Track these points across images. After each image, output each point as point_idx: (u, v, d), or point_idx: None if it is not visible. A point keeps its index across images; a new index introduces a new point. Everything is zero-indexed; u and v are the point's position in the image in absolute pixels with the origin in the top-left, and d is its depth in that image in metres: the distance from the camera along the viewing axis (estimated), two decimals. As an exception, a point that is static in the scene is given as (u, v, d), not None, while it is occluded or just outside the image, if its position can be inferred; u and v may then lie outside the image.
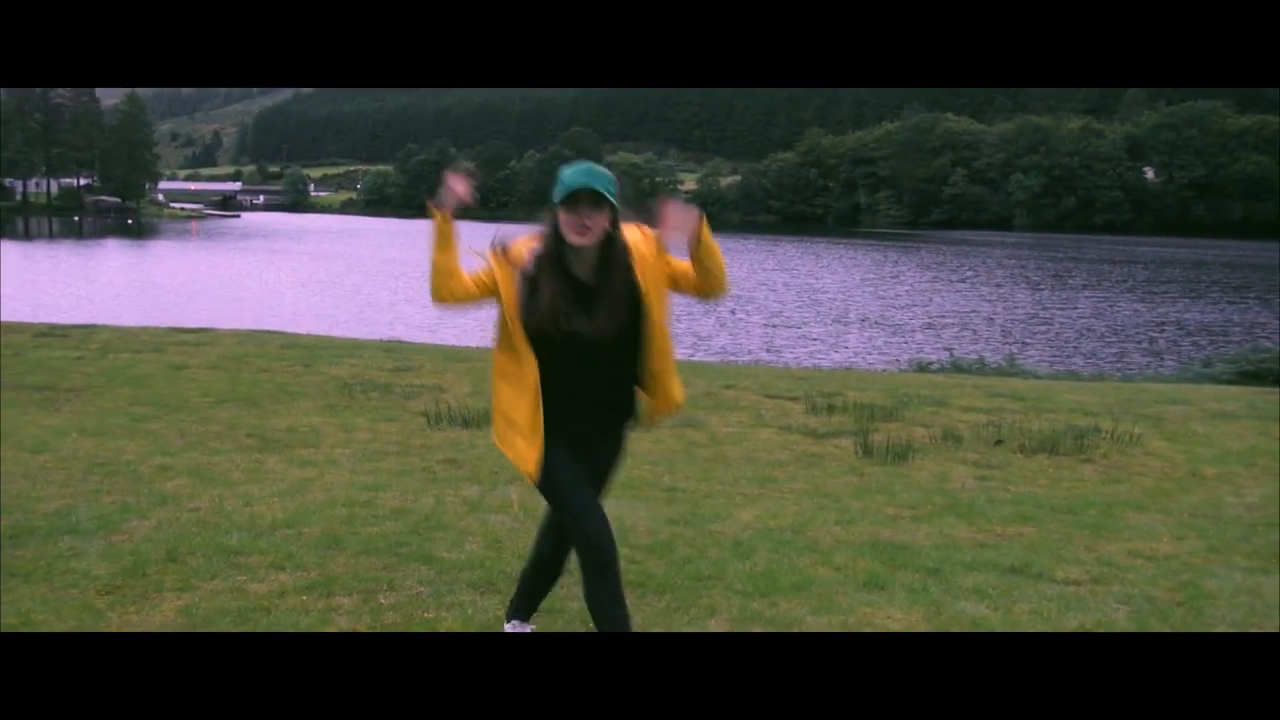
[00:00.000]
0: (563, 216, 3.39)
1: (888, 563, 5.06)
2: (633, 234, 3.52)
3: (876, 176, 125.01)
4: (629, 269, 3.46)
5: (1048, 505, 6.45)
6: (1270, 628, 4.36)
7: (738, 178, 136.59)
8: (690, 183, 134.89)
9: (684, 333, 27.23)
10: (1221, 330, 31.70)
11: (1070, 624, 4.34)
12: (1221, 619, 4.46)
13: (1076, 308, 37.82)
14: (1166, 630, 4.31)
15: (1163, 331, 31.26)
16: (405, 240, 75.49)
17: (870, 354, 24.26)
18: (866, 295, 40.24)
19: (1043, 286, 46.41)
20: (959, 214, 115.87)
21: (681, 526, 5.57)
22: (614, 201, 3.40)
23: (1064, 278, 51.90)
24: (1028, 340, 28.58)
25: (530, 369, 3.46)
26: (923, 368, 15.68)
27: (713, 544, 5.25)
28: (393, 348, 13.39)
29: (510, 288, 3.46)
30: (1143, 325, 32.57)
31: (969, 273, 53.41)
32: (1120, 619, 4.42)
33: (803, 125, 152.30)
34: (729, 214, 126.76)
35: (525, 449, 3.47)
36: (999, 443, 8.35)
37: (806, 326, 30.19)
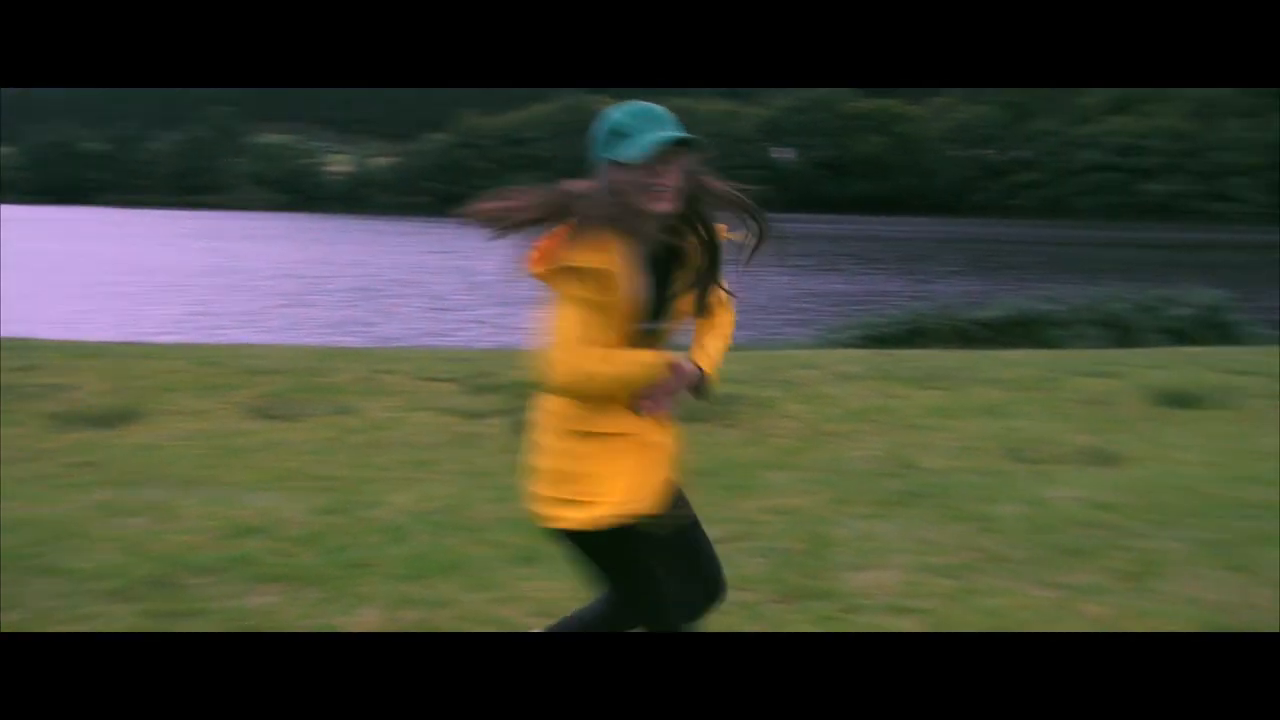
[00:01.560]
0: (636, 178, 2.63)
1: (542, 535, 5.16)
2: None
3: (532, 157, 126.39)
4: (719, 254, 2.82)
5: (694, 470, 6.76)
6: (884, 566, 4.79)
7: (392, 159, 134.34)
8: (342, 164, 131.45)
9: (347, 320, 26.60)
10: (858, 299, 34.14)
11: (711, 580, 4.60)
12: (845, 564, 4.85)
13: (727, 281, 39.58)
14: (800, 580, 4.65)
15: (811, 302, 33.31)
16: (32, 228, 69.49)
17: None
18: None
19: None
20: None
21: (335, 515, 5.47)
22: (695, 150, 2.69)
23: (716, 254, 54.23)
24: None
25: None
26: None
27: (367, 531, 5.20)
28: (15, 345, 12.31)
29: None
30: (791, 297, 34.53)
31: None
32: (757, 572, 4.72)
33: (456, 105, 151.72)
34: (384, 195, 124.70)
35: None
36: (649, 413, 8.69)
37: (474, 309, 30.10)
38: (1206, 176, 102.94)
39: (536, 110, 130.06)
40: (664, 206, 2.65)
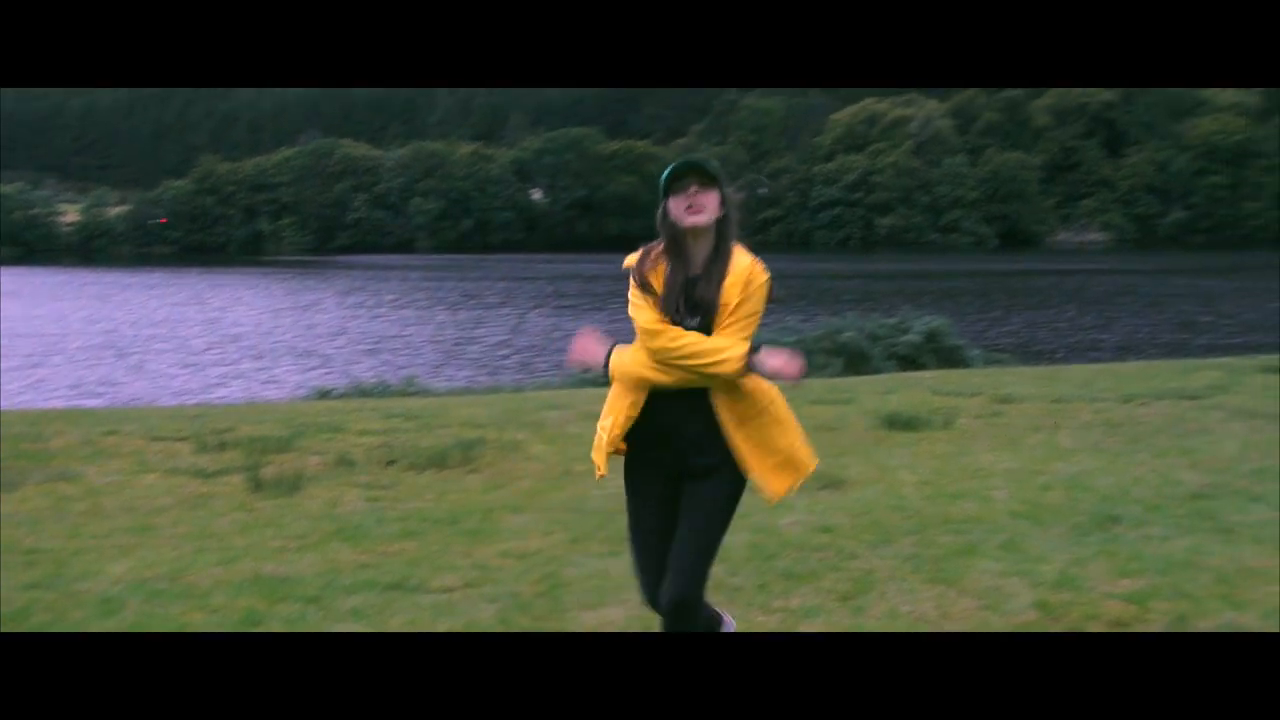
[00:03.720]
0: (672, 202, 3.38)
1: (267, 597, 5.02)
2: (741, 254, 3.43)
3: (278, 203, 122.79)
4: (725, 267, 3.38)
5: (432, 518, 6.71)
6: (613, 604, 4.87)
7: (128, 207, 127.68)
8: (73, 214, 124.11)
9: (94, 380, 25.11)
10: (622, 337, 34.50)
11: (440, 628, 4.57)
12: (575, 604, 4.91)
13: (496, 325, 39.31)
14: (529, 623, 4.67)
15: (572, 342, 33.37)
16: None
17: (302, 386, 23.26)
18: (286, 324, 39.22)
19: (461, 306, 47.59)
20: (364, 238, 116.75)
21: (41, 591, 5.14)
22: (721, 182, 3.37)
23: (479, 297, 53.56)
24: (457, 359, 29.37)
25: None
26: (324, 394, 15.68)
27: (76, 605, 4.91)
28: None
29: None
30: (554, 337, 34.52)
31: (390, 296, 53.68)
32: (486, 618, 4.72)
33: (196, 151, 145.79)
34: (119, 247, 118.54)
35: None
36: (391, 463, 8.57)
37: (234, 364, 28.80)
38: (932, 210, 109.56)
39: (280, 155, 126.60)
40: (693, 220, 3.34)
